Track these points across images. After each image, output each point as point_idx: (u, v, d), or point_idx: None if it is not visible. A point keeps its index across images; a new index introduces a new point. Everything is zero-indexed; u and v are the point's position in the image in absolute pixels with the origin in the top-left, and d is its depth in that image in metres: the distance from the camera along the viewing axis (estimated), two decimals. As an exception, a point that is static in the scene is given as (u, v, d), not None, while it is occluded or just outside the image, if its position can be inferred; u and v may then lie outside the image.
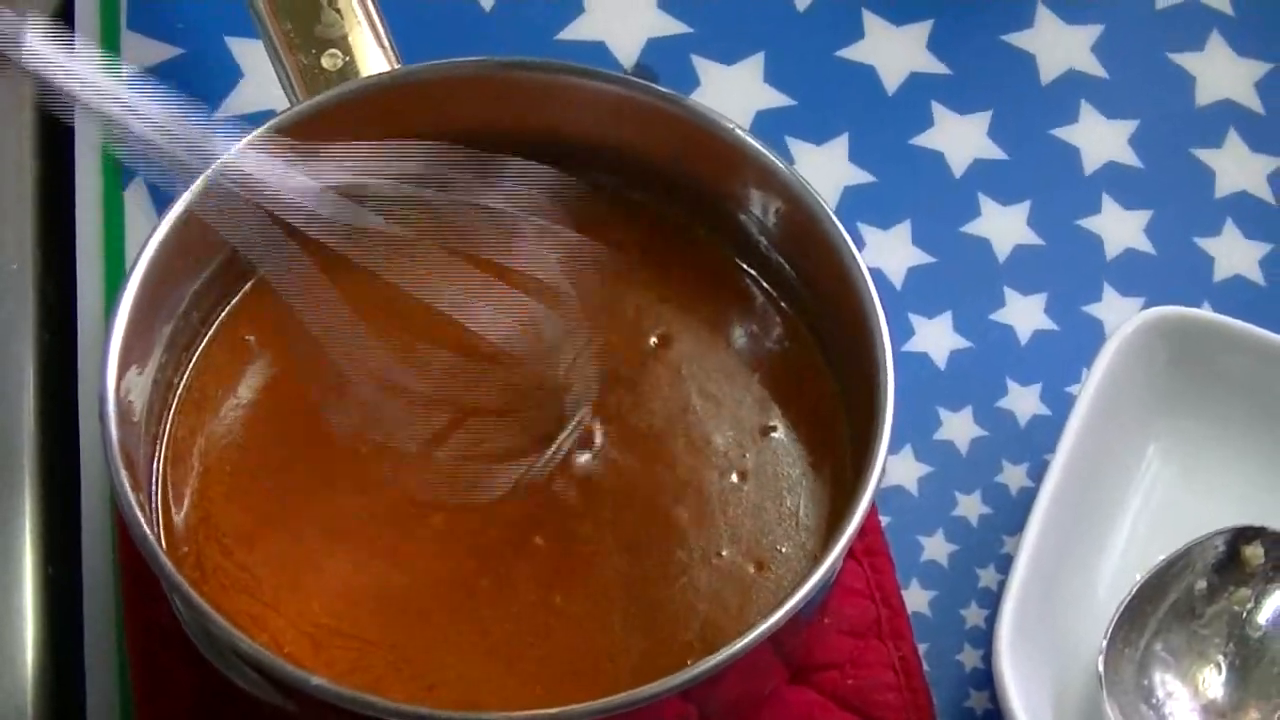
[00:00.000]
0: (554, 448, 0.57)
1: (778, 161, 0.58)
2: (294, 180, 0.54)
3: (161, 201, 0.66)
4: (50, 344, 0.67)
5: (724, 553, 0.56)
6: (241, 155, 0.54)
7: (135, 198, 0.68)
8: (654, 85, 0.59)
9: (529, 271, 0.56)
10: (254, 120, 0.68)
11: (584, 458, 0.57)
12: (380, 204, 0.55)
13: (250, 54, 0.70)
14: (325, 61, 0.61)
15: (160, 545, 0.52)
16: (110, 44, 0.71)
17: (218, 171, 0.54)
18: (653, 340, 0.60)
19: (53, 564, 0.63)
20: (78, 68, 0.52)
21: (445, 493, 0.56)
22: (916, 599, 0.63)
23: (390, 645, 0.55)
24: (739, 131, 0.59)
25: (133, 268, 0.55)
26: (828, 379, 0.59)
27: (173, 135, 0.53)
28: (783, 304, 0.61)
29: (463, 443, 0.56)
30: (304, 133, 0.58)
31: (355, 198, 0.55)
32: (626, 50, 0.72)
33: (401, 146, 0.55)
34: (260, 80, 0.69)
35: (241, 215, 0.54)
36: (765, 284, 0.61)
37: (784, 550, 0.56)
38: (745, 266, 0.61)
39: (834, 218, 0.57)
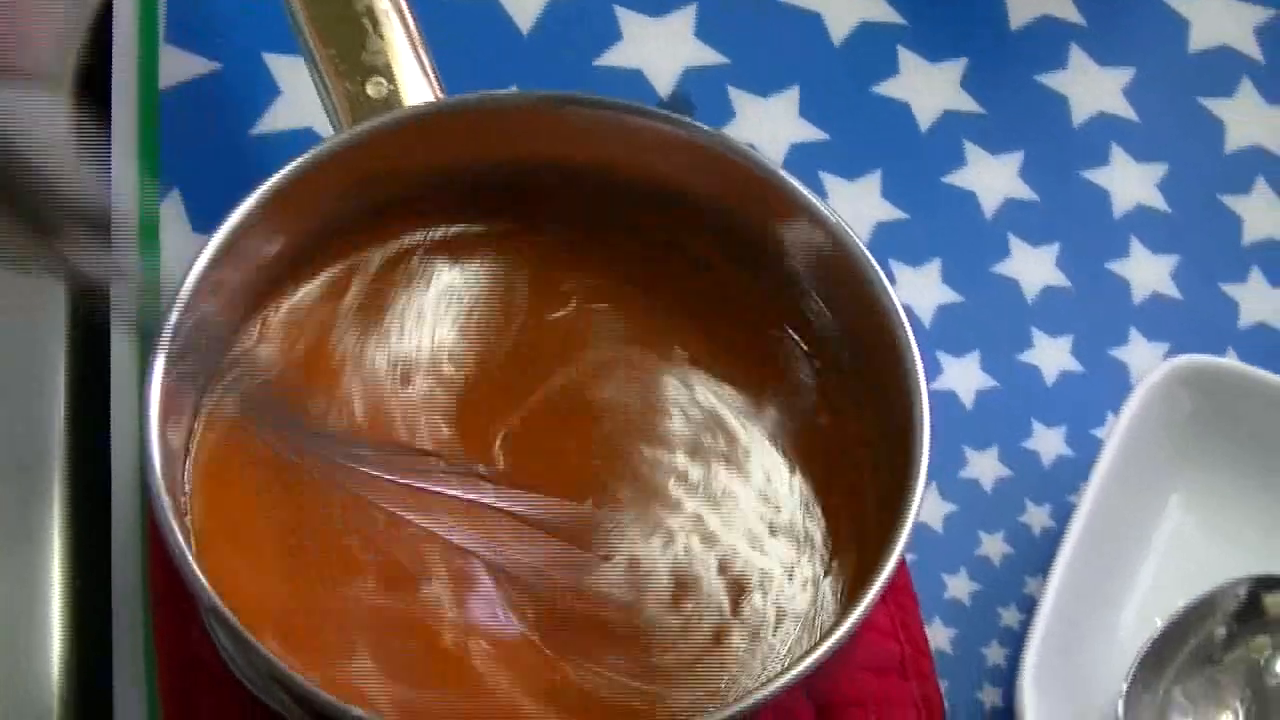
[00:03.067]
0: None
1: (818, 202, 0.59)
2: None
3: (199, 215, 0.67)
4: (83, 351, 0.67)
5: (750, 598, 0.56)
6: None
7: (172, 210, 0.68)
8: (702, 126, 0.60)
9: None
10: (292, 137, 0.69)
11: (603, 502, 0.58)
12: None
13: (289, 71, 0.70)
14: (370, 89, 0.61)
15: (196, 568, 0.52)
16: (149, 57, 0.71)
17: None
18: (680, 378, 0.60)
19: (81, 577, 0.63)
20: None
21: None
22: (938, 636, 0.63)
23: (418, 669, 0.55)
24: (781, 171, 0.59)
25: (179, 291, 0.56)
26: (856, 422, 0.59)
27: None
28: (815, 341, 0.61)
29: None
30: (346, 160, 0.58)
31: None
32: (663, 79, 0.72)
33: None
34: (298, 98, 0.69)
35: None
36: (797, 322, 0.61)
37: (812, 594, 0.57)
38: (778, 304, 0.61)
39: (872, 259, 0.58)
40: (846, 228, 0.58)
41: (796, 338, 0.61)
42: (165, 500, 0.52)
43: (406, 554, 0.55)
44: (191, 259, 0.56)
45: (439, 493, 0.56)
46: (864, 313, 0.58)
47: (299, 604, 0.55)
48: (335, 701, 0.50)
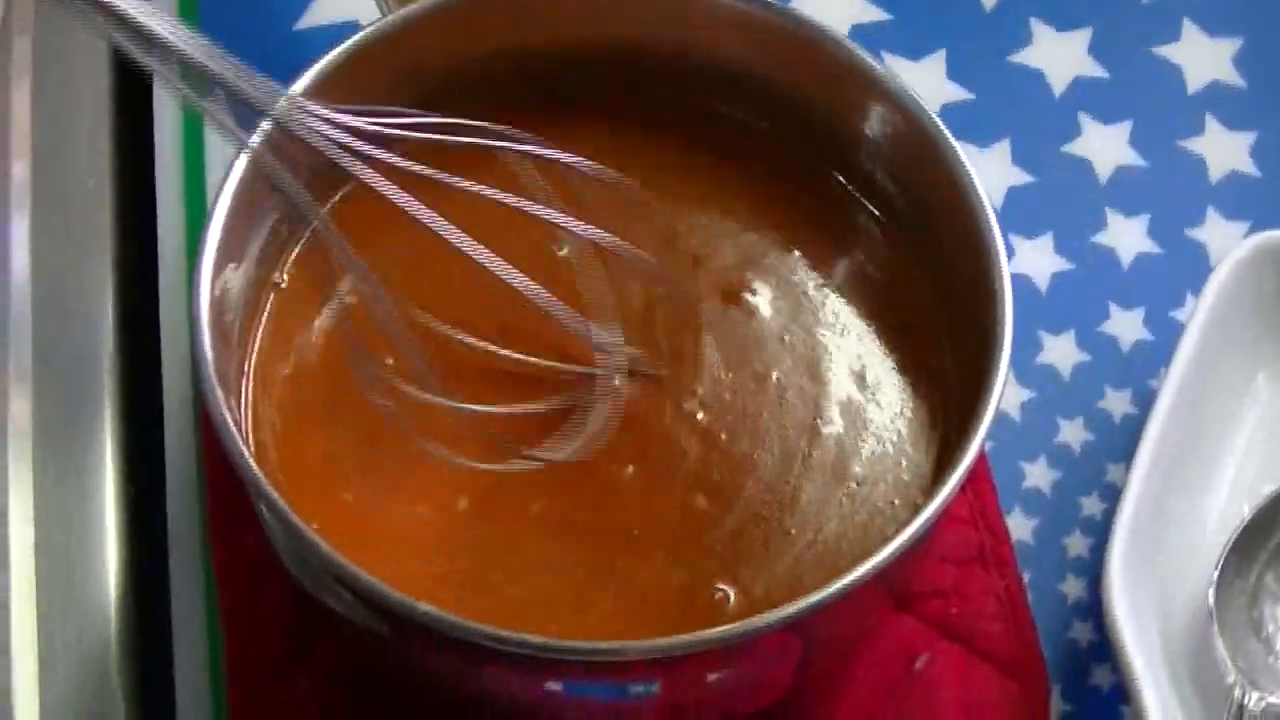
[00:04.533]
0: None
1: (895, 78, 0.56)
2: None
3: (241, 116, 0.65)
4: (130, 258, 0.65)
5: (830, 484, 0.54)
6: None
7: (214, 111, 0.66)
8: (771, 1, 0.57)
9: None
10: (338, 31, 0.67)
11: (683, 391, 0.56)
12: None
13: (334, -38, 0.69)
14: (421, -31, 0.59)
15: (253, 460, 0.51)
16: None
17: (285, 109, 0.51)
18: (755, 267, 0.58)
19: (135, 482, 0.62)
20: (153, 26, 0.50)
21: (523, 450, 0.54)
22: (1019, 526, 0.61)
23: (470, 571, 0.53)
24: (855, 47, 0.57)
25: (232, 164, 0.54)
26: (934, 306, 0.57)
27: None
28: (890, 229, 0.59)
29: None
30: (390, 47, 0.56)
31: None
32: (718, -42, 0.70)
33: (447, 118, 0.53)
34: (341, -10, 0.68)
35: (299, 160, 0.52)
36: (873, 208, 0.59)
37: (893, 482, 0.55)
38: (852, 190, 0.59)
39: (949, 135, 0.55)
40: (923, 103, 0.56)
41: (873, 221, 0.59)
42: (219, 395, 0.50)
43: (477, 443, 0.53)
44: (232, 158, 0.54)
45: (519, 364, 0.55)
46: (939, 191, 0.55)
47: (360, 502, 0.54)
48: (400, 597, 0.48)
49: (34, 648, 0.58)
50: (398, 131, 0.52)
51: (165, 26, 0.49)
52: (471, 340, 0.55)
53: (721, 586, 0.53)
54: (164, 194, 0.66)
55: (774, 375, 0.56)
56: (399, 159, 0.51)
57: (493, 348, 0.55)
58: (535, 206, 0.52)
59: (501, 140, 0.52)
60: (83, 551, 0.60)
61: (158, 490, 0.61)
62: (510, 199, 0.52)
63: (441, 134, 0.52)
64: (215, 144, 0.66)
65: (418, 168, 0.51)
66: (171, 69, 0.50)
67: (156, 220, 0.65)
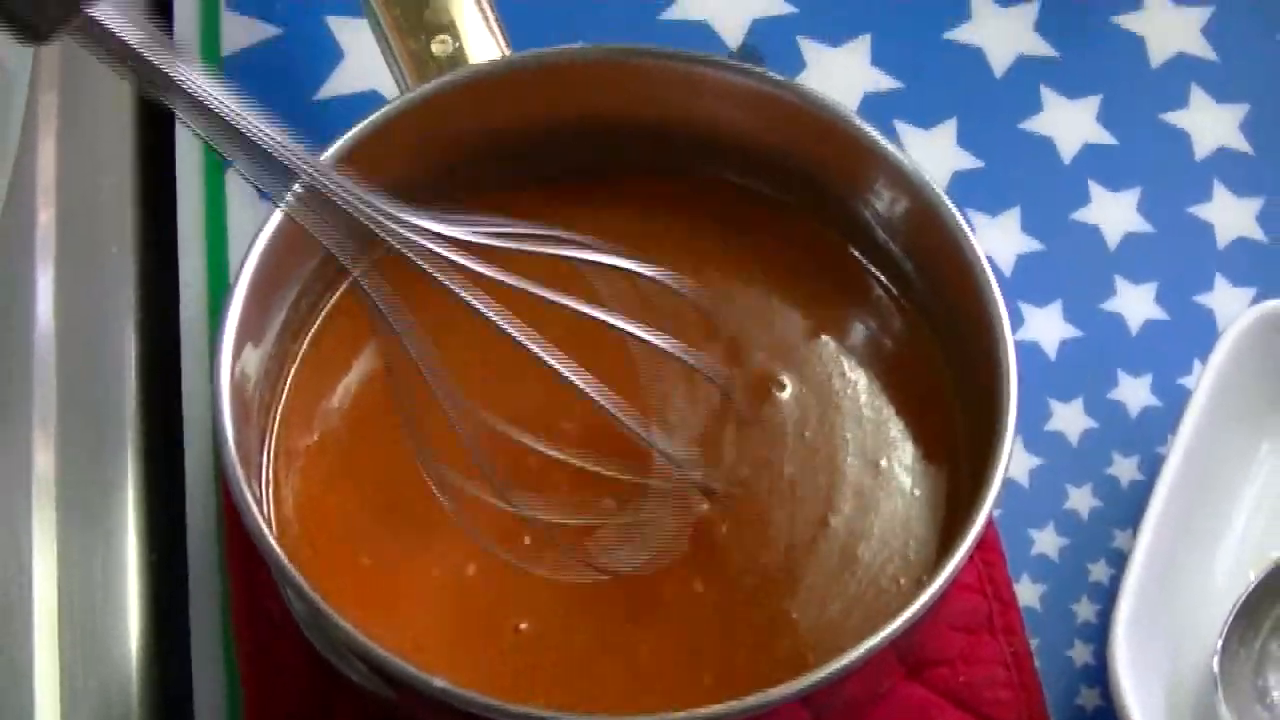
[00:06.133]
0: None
1: (901, 154, 0.57)
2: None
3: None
4: (152, 327, 0.66)
5: (837, 568, 0.55)
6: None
7: (237, 180, 0.67)
8: (780, 78, 0.58)
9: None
10: (357, 101, 0.68)
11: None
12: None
13: (351, 34, 0.69)
14: (435, 47, 0.60)
15: (273, 533, 0.52)
16: (210, 24, 0.71)
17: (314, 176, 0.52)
18: (784, 355, 0.59)
19: (156, 550, 0.63)
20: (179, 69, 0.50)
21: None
22: (1027, 593, 0.62)
23: (480, 636, 0.54)
24: (862, 124, 0.58)
25: (254, 241, 0.55)
26: (946, 378, 0.58)
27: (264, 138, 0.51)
28: (903, 302, 0.60)
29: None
30: (416, 119, 0.57)
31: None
32: (732, 31, 0.71)
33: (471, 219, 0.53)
34: (361, 61, 0.69)
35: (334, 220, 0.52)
36: (887, 281, 0.60)
37: (900, 561, 0.56)
38: (866, 263, 0.60)
39: (955, 210, 0.56)
40: (928, 178, 0.57)
41: (887, 294, 0.60)
42: (240, 474, 0.51)
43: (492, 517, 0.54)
44: (257, 231, 0.55)
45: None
46: (947, 264, 0.56)
47: (379, 574, 0.55)
48: (416, 673, 0.49)
49: (56, 708, 0.59)
50: (484, 241, 0.52)
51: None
52: (529, 439, 0.55)
53: (722, 664, 0.54)
54: (186, 251, 0.66)
55: (789, 469, 0.57)
56: (472, 261, 0.51)
57: (555, 453, 0.55)
58: (615, 317, 0.53)
59: (586, 250, 0.53)
60: (105, 611, 0.61)
61: (178, 550, 0.62)
62: (588, 308, 0.52)
63: (520, 244, 0.52)
64: (236, 194, 0.67)
65: (490, 271, 0.51)
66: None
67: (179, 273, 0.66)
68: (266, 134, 0.49)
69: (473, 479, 0.53)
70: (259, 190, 0.66)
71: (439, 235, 0.51)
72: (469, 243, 0.51)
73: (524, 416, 0.55)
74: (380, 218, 0.50)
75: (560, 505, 0.54)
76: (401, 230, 0.50)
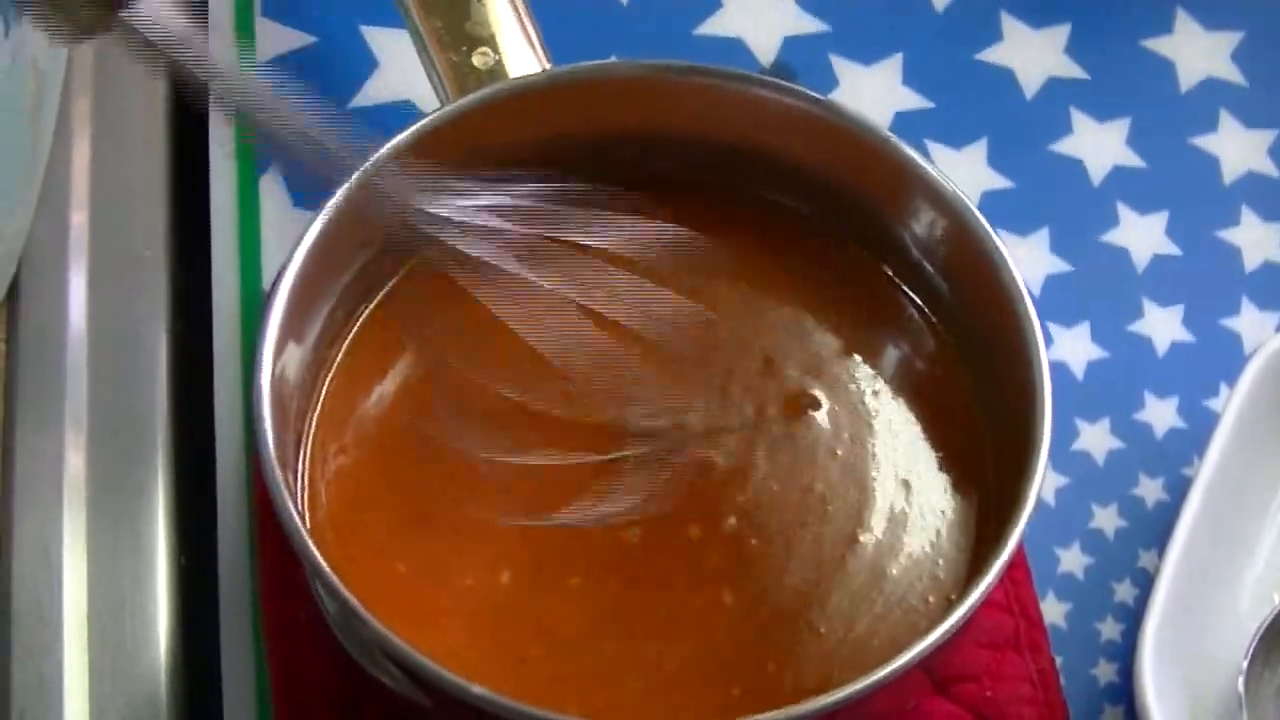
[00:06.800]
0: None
1: (942, 176, 0.58)
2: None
3: (297, 187, 0.67)
4: (184, 331, 0.67)
5: (865, 587, 0.56)
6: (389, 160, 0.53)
7: (271, 183, 0.68)
8: (819, 96, 0.59)
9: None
10: (391, 110, 0.69)
11: (728, 498, 0.57)
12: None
13: (387, 43, 0.70)
14: (476, 60, 0.60)
15: (309, 537, 0.52)
16: (245, 30, 0.71)
17: (370, 171, 0.53)
18: (817, 372, 0.59)
19: (186, 554, 0.63)
20: (214, 60, 0.51)
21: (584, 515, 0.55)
22: (1052, 611, 0.62)
23: (512, 643, 0.55)
24: (902, 144, 0.58)
25: (297, 246, 0.55)
26: (976, 399, 0.59)
27: (309, 133, 0.52)
28: (934, 322, 0.60)
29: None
30: (455, 131, 0.58)
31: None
32: (764, 48, 0.72)
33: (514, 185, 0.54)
34: (396, 70, 0.69)
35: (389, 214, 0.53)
36: (920, 301, 0.60)
37: (929, 580, 0.56)
38: (900, 282, 0.61)
39: (994, 234, 0.57)
40: (969, 202, 0.57)
41: (920, 314, 0.60)
42: (279, 477, 0.52)
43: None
44: (297, 239, 0.55)
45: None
46: (984, 286, 0.57)
47: (414, 581, 0.55)
48: (453, 678, 0.49)
49: (85, 708, 0.59)
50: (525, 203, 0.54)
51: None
52: (540, 404, 0.56)
53: (749, 678, 0.54)
54: (219, 254, 0.67)
55: (820, 486, 0.57)
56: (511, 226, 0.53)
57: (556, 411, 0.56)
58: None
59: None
60: (135, 614, 0.61)
61: (209, 554, 0.62)
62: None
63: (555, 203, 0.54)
64: (270, 197, 0.67)
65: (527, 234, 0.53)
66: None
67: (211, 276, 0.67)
68: (313, 127, 0.50)
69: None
70: (294, 192, 0.66)
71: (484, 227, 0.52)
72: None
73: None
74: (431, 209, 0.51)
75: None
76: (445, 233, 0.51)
